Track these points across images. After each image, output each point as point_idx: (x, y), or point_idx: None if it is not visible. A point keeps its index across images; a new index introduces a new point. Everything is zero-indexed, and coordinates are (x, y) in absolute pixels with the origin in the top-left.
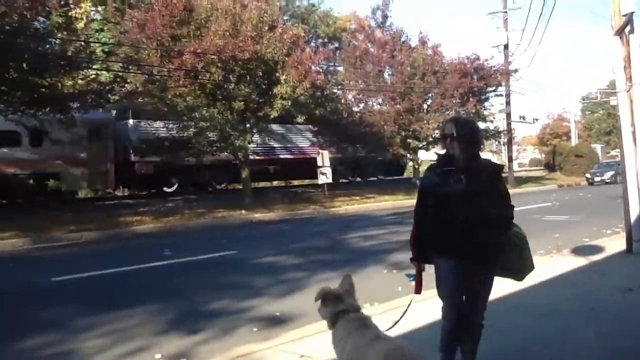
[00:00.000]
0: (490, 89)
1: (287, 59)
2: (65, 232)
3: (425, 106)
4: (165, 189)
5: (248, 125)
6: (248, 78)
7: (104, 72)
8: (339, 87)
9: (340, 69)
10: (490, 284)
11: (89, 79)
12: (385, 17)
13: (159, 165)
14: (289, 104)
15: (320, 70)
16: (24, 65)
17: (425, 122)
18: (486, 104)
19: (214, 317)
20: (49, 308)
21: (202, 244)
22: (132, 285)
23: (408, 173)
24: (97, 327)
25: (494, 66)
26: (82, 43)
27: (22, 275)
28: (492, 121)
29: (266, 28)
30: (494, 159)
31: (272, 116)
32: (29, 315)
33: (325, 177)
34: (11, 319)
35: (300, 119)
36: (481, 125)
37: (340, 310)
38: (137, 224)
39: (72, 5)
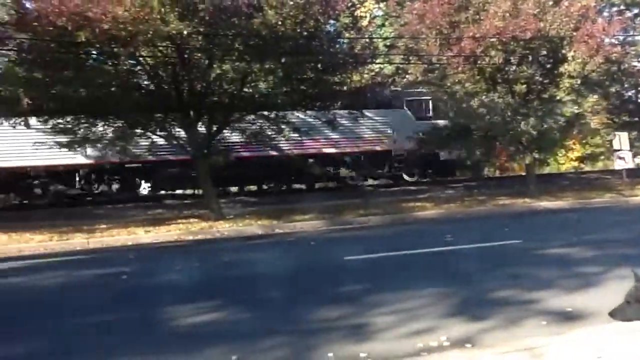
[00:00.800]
0: None
1: (574, 33)
2: (356, 215)
3: None
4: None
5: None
6: (530, 58)
7: (386, 65)
8: None
9: None
10: None
11: (373, 73)
12: None
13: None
14: (578, 82)
15: (617, 42)
16: (319, 65)
17: None
18: None
19: (497, 306)
20: (342, 284)
21: (483, 231)
22: (416, 267)
23: None
24: (386, 305)
25: None
26: (367, 40)
27: (320, 253)
28: None
29: (550, 3)
30: None
31: (558, 97)
32: (325, 289)
33: (623, 161)
34: (310, 291)
35: (591, 99)
36: None
37: None
38: (419, 209)
39: (357, 5)
